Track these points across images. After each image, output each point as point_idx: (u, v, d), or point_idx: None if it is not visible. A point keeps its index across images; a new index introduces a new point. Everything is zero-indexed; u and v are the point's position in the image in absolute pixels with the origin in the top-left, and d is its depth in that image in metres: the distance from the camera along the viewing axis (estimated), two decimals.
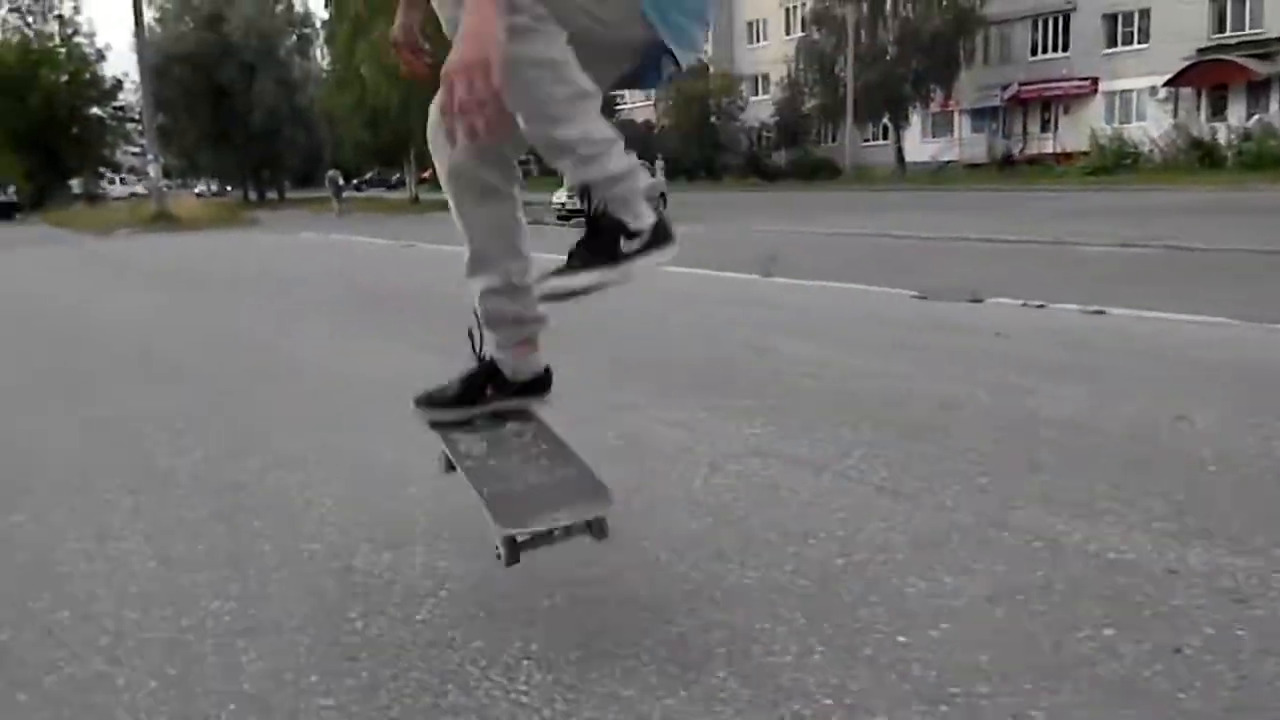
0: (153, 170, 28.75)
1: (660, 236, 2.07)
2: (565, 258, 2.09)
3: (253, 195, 53.85)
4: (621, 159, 2.03)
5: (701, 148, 49.14)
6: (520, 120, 1.99)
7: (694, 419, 4.03)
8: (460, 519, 2.72)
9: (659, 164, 29.82)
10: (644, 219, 2.05)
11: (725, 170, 49.34)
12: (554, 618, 2.31)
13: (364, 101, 38.05)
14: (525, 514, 2.07)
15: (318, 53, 53.42)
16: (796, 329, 6.32)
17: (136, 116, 44.42)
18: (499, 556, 2.06)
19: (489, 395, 2.34)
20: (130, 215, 28.40)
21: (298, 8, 54.28)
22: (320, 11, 50.18)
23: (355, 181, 60.35)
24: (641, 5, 2.00)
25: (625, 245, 2.04)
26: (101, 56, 50.26)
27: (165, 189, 29.22)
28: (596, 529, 2.11)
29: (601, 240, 2.05)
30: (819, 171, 44.07)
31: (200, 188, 64.21)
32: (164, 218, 26.87)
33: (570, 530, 2.10)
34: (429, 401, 2.40)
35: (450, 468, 2.35)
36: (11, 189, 49.89)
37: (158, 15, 49.41)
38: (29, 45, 47.57)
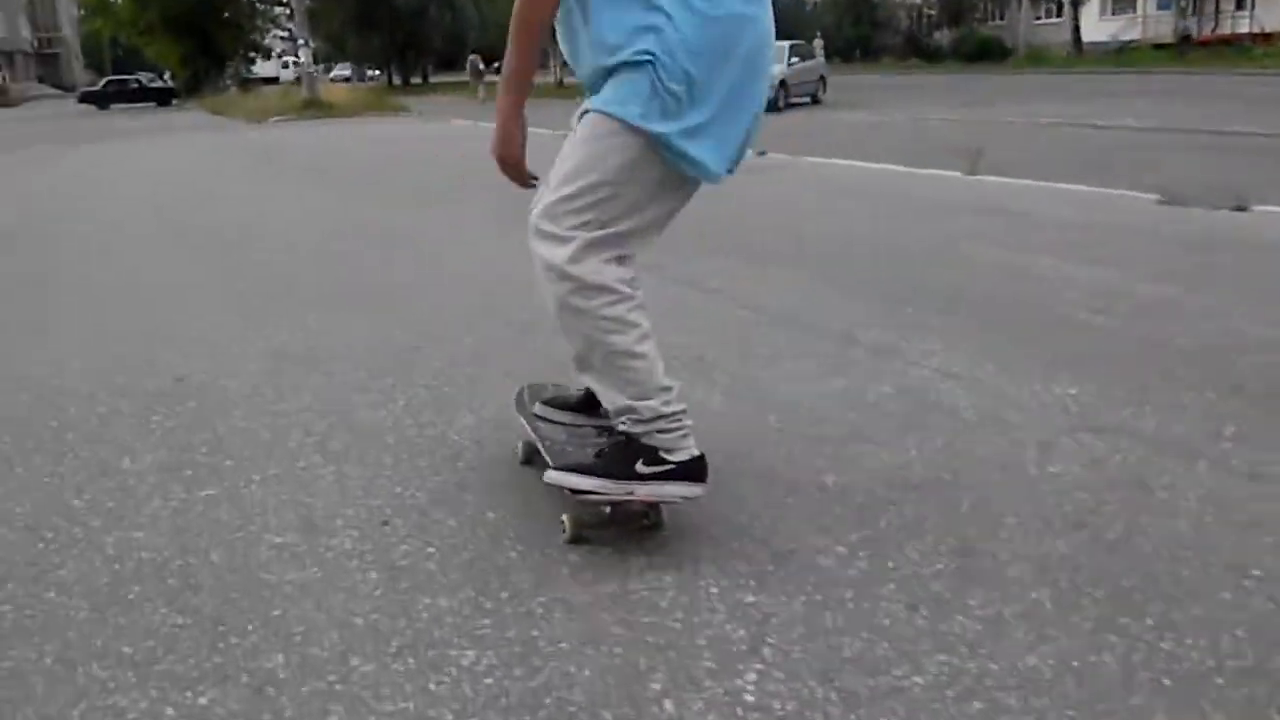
0: (303, 55, 28.49)
1: (689, 473, 2.16)
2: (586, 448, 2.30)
3: (396, 80, 53.82)
4: (673, 413, 2.15)
5: (857, 26, 46.45)
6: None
7: (981, 371, 3.27)
8: None
9: (818, 42, 28.01)
10: (679, 454, 2.15)
11: (882, 50, 46.68)
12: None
13: None
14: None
15: None
16: (1047, 245, 5.40)
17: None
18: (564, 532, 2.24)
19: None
20: (281, 102, 28.34)
21: None
22: None
23: (496, 65, 59.53)
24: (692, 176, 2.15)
25: (642, 468, 2.14)
26: None
27: (315, 74, 28.98)
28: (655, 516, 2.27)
29: (623, 454, 2.16)
30: (986, 53, 41.09)
31: (341, 71, 64.33)
32: (315, 105, 26.71)
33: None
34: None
35: (527, 460, 2.59)
36: (168, 75, 51.02)
37: None
38: None
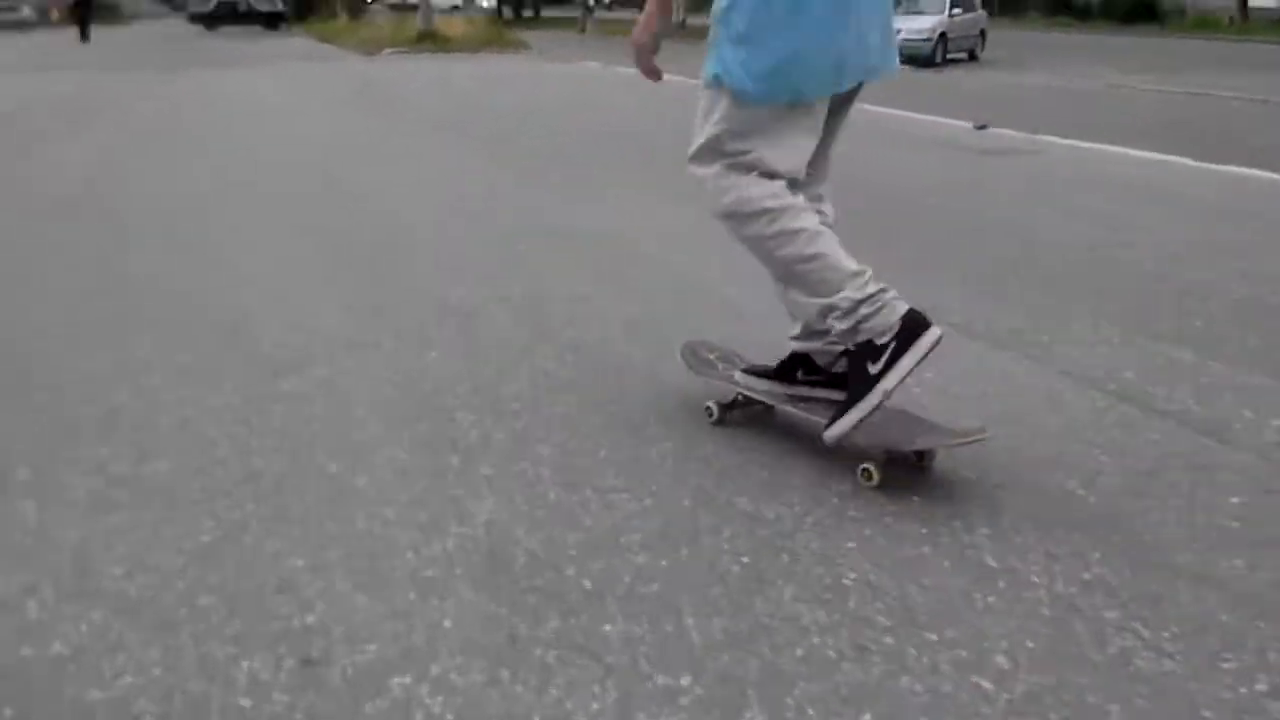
0: None
1: (909, 333, 2.17)
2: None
3: (507, 12, 52.15)
4: (869, 295, 2.19)
5: None
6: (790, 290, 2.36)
7: None
8: None
9: None
10: (890, 329, 2.18)
11: (1027, 6, 43.63)
12: None
13: None
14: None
15: None
16: None
17: None
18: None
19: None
20: (394, 33, 26.78)
21: None
22: None
23: (608, 0, 57.31)
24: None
25: (872, 367, 2.19)
26: None
27: (430, 4, 27.35)
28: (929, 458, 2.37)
29: (856, 374, 2.24)
30: (1138, 13, 38.06)
31: (451, 1, 62.64)
32: (430, 37, 25.17)
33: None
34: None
35: (720, 420, 2.64)
36: None
37: None
38: None
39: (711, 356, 2.80)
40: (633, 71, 2.42)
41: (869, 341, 2.19)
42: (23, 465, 2.40)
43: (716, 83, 2.26)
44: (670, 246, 4.63)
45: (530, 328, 3.43)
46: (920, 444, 2.35)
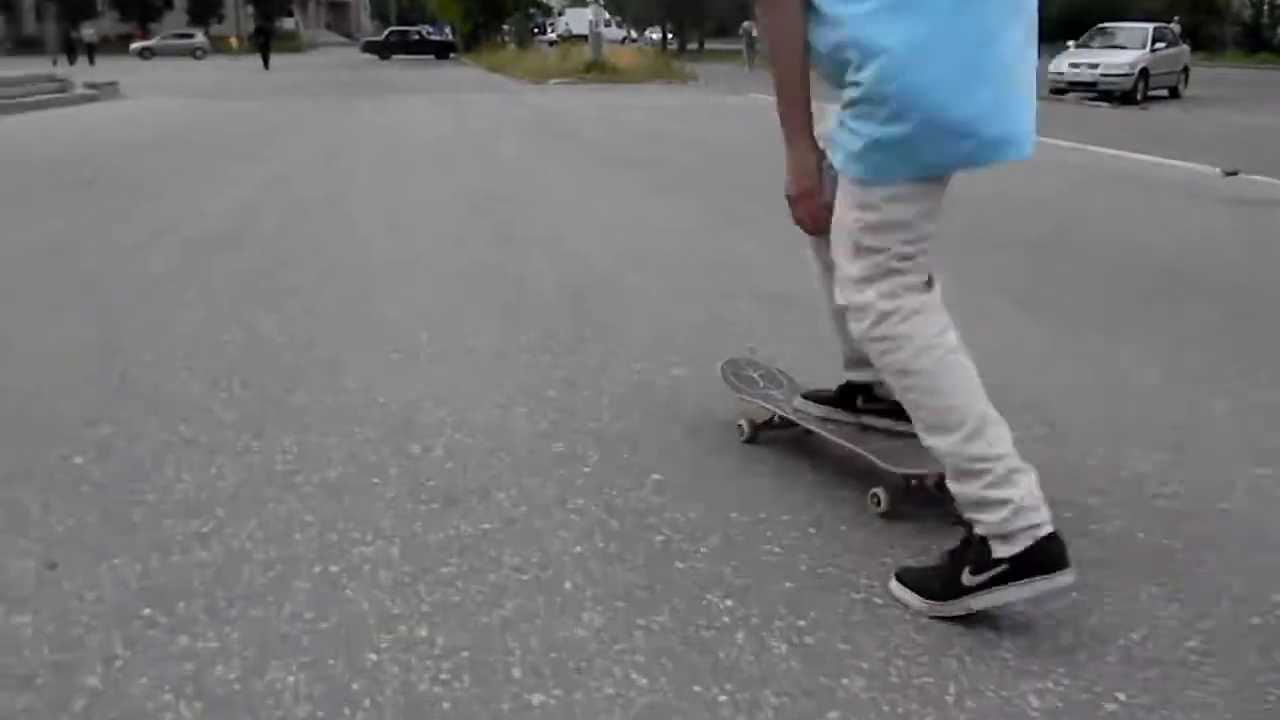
0: (592, 11, 26.92)
1: (1029, 567, 1.75)
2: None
3: (672, 44, 52.16)
4: (1006, 485, 1.77)
5: (1193, 12, 40.97)
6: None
7: None
8: None
9: (1173, 26, 23.83)
10: (1013, 545, 1.76)
11: (1214, 41, 41.02)
12: None
13: None
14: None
15: None
16: None
17: None
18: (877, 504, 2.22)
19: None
20: (562, 64, 26.78)
21: None
22: None
23: None
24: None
25: (968, 577, 1.80)
26: None
27: (600, 34, 27.23)
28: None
29: (951, 563, 1.85)
30: None
31: (614, 33, 63.24)
32: (598, 67, 25.06)
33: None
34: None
35: (751, 438, 2.62)
36: (448, 29, 51.30)
37: None
38: None
39: (755, 375, 2.81)
40: None
41: (983, 541, 1.80)
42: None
43: None
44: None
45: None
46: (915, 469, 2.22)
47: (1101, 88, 18.32)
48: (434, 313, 3.94)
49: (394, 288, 4.33)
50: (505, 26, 45.48)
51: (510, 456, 2.55)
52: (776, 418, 2.58)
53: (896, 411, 2.13)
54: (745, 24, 36.27)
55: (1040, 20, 1.90)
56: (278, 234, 5.60)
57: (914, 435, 1.96)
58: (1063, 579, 1.76)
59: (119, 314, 3.92)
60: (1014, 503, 1.76)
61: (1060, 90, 18.55)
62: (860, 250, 1.90)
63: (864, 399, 2.42)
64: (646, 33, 59.37)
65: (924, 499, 2.22)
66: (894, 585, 1.93)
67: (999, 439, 1.82)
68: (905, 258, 1.90)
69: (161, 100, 17.26)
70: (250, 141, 10.93)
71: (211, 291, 4.25)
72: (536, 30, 51.49)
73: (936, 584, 1.86)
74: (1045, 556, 1.75)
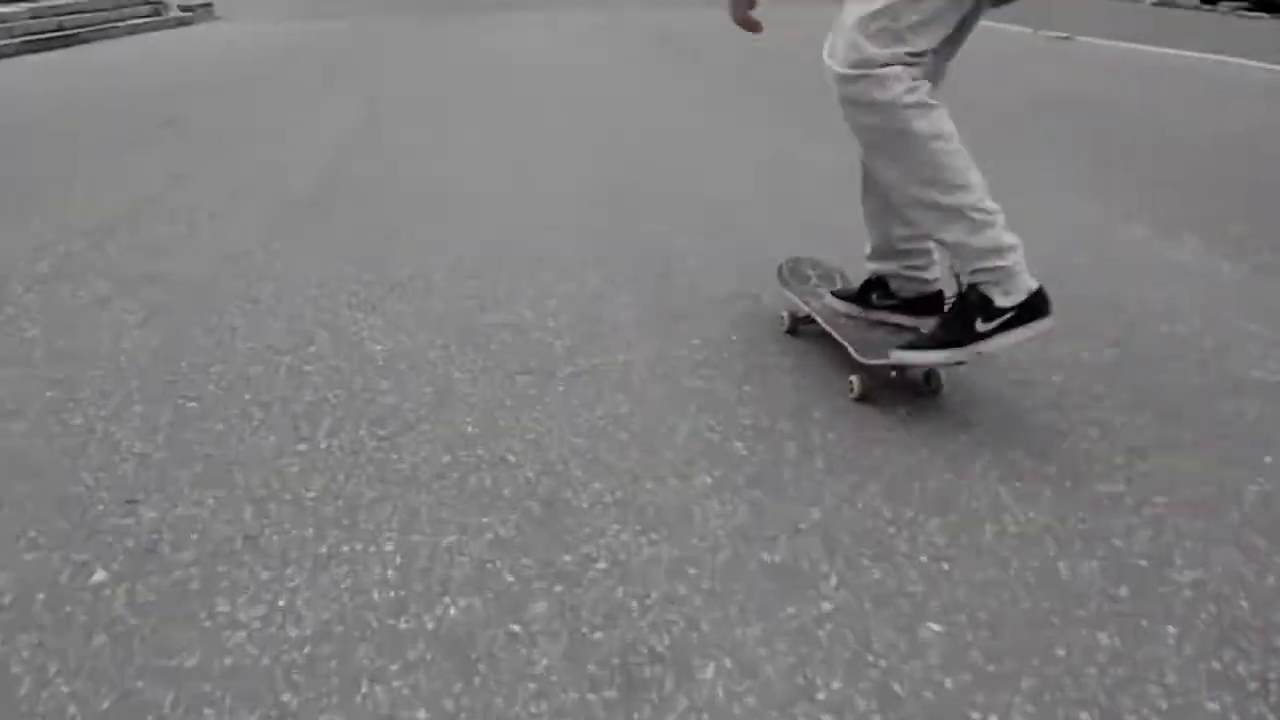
0: None
1: (1029, 312, 2.10)
2: (923, 328, 2.33)
3: None
4: (1006, 233, 2.08)
5: None
6: (917, 188, 2.11)
7: None
8: None
9: None
10: (1015, 295, 2.10)
11: None
12: None
13: None
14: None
15: None
16: None
17: None
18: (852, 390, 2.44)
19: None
20: None
21: None
22: None
23: None
24: None
25: (981, 325, 2.12)
26: None
27: None
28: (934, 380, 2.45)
29: (960, 319, 2.15)
30: None
31: None
32: None
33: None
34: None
35: (791, 329, 2.86)
36: None
37: None
38: None
39: (812, 274, 2.94)
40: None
41: (987, 298, 2.12)
42: None
43: None
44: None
45: None
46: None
47: None
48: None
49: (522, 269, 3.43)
50: None
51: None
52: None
53: (908, 305, 2.48)
54: None
55: None
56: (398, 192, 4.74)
57: (913, 330, 2.36)
58: (1050, 323, 2.11)
59: None
60: (1020, 247, 2.08)
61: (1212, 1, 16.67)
62: (876, 16, 2.04)
63: (878, 295, 2.58)
64: None
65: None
66: (906, 354, 2.22)
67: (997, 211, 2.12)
68: (917, 46, 2.03)
69: (259, 25, 16.48)
70: (356, 68, 10.06)
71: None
72: None
73: (953, 334, 2.15)
74: (1041, 301, 2.10)
